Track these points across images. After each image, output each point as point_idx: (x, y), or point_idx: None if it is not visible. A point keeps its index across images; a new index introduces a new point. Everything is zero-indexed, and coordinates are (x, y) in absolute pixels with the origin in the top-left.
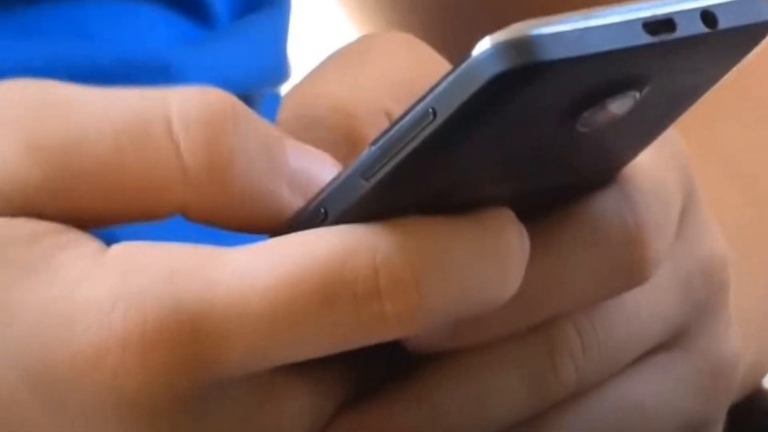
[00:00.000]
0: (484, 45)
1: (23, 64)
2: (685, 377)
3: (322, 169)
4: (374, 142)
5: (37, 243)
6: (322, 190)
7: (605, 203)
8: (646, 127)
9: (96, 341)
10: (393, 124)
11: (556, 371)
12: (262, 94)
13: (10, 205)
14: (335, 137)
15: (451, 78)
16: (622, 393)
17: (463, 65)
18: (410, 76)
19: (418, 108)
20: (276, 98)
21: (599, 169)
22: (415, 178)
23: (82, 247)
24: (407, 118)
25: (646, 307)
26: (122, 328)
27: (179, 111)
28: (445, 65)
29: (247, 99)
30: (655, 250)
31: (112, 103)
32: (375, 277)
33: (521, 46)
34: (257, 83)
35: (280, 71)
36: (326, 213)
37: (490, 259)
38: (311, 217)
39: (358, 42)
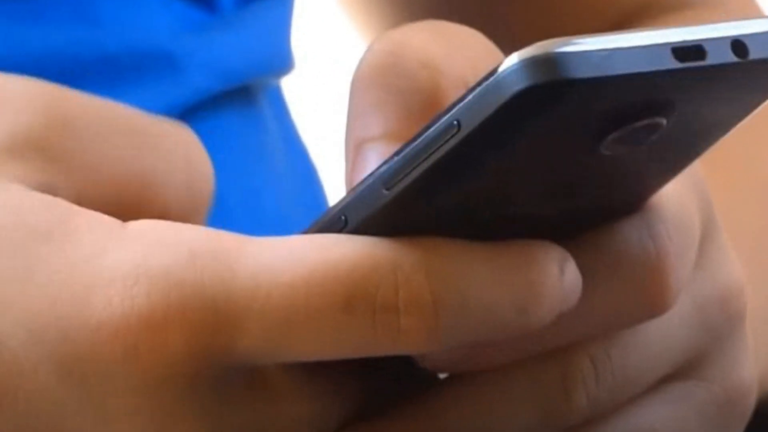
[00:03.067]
0: (510, 60)
1: (29, 51)
2: (699, 405)
3: None
4: (398, 152)
5: (55, 207)
6: (345, 197)
7: (628, 231)
8: (674, 157)
9: (118, 315)
10: (417, 135)
11: (568, 400)
12: (265, 86)
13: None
14: (419, 90)
15: (476, 91)
16: (636, 421)
17: (490, 80)
18: (484, 61)
19: (443, 119)
20: (276, 90)
21: (624, 196)
22: (436, 191)
23: (100, 217)
24: (432, 129)
25: (662, 335)
26: (146, 306)
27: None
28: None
29: (250, 89)
30: (675, 280)
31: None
32: (395, 291)
33: (547, 63)
34: (260, 73)
35: (283, 62)
36: (347, 220)
37: (512, 291)
38: (332, 223)
39: (438, 22)
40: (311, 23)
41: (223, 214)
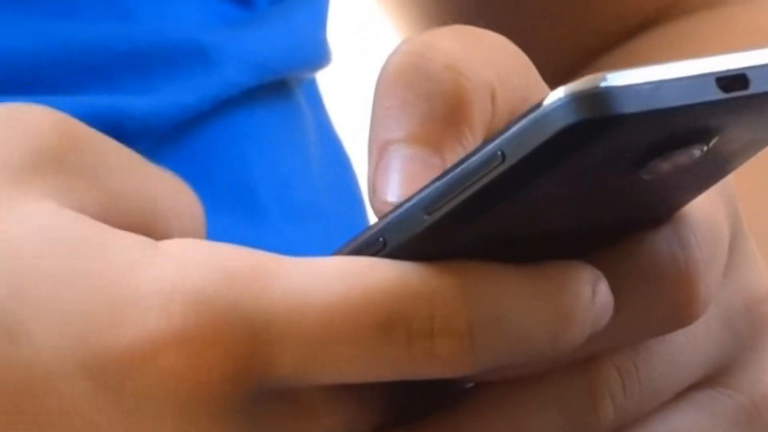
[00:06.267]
0: (557, 94)
1: (62, 45)
2: (725, 413)
3: None
4: (439, 177)
5: (90, 230)
6: (383, 218)
7: (658, 241)
8: (708, 174)
9: (153, 334)
10: (460, 161)
11: (595, 411)
12: (301, 79)
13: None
14: (443, 93)
15: (522, 123)
16: (661, 429)
17: (536, 112)
18: (510, 68)
19: (487, 149)
20: (312, 83)
21: (657, 210)
22: (476, 217)
23: (133, 235)
24: (475, 157)
25: (688, 343)
26: (180, 326)
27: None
28: (532, 67)
29: (285, 83)
30: (705, 290)
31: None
32: (431, 317)
33: (595, 98)
34: (294, 68)
35: (319, 56)
36: (385, 242)
37: (545, 316)
38: (369, 244)
39: (464, 27)
40: (348, 10)
41: (256, 207)
